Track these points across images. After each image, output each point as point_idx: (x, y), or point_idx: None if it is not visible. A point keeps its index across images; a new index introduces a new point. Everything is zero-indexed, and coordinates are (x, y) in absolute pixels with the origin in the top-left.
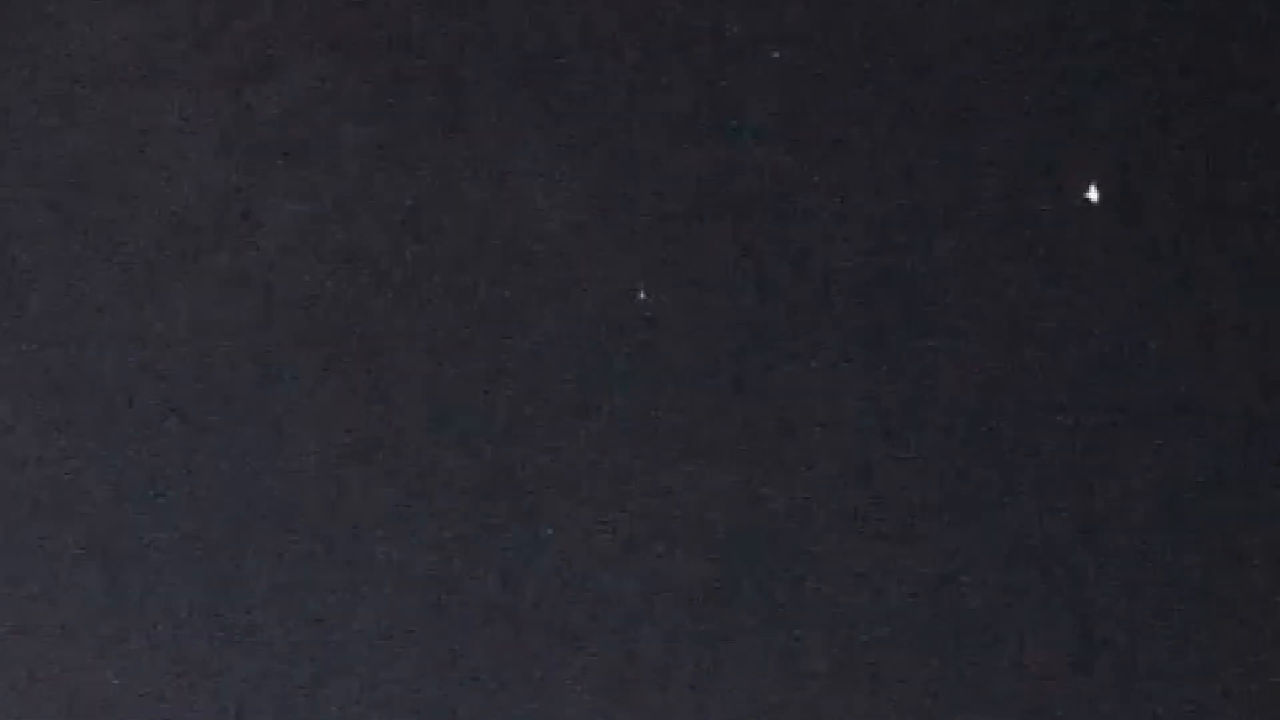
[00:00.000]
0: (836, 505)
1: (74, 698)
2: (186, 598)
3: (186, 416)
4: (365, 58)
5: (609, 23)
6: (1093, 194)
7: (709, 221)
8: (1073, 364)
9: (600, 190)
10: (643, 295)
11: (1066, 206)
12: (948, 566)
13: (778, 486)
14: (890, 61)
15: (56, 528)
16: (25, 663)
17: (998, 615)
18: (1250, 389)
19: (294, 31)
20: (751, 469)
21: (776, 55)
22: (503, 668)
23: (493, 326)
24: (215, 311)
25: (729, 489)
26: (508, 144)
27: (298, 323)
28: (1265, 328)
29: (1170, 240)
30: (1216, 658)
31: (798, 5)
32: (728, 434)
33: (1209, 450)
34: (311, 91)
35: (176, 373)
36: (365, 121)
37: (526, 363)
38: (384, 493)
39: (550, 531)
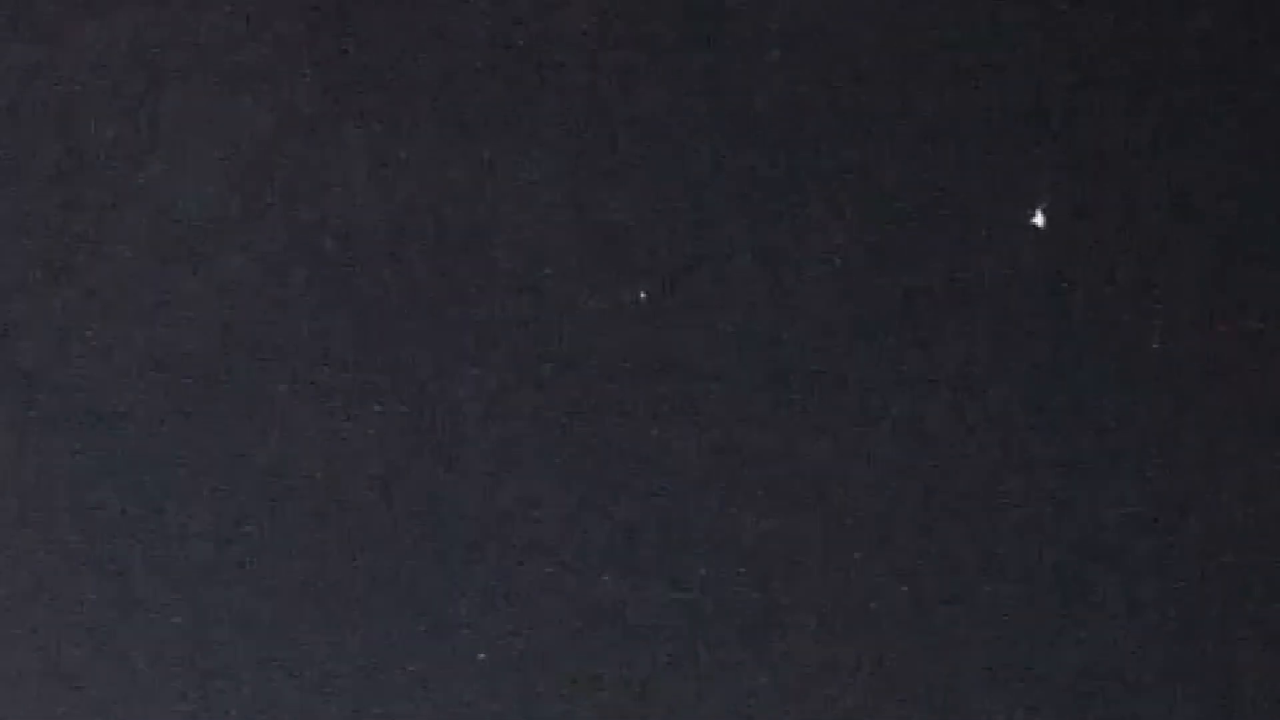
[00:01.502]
0: (834, 502)
1: (74, 697)
2: (181, 596)
3: (184, 417)
4: (365, 62)
5: (610, 26)
6: (1039, 219)
7: (709, 222)
8: (1024, 374)
9: (602, 191)
10: (643, 295)
11: (1016, 229)
12: (915, 569)
13: (778, 485)
14: (860, 92)
15: (54, 525)
16: (26, 663)
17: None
18: (1188, 403)
19: (296, 36)
20: (750, 468)
21: (777, 54)
22: (499, 665)
23: (494, 328)
24: (215, 313)
25: (730, 488)
26: (509, 147)
27: (297, 324)
28: (1203, 343)
29: (1110, 261)
30: (1215, 657)
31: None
32: (727, 433)
33: (1136, 466)
34: (313, 95)
35: (174, 374)
36: (366, 125)
37: (529, 362)
38: (383, 492)
39: (551, 532)
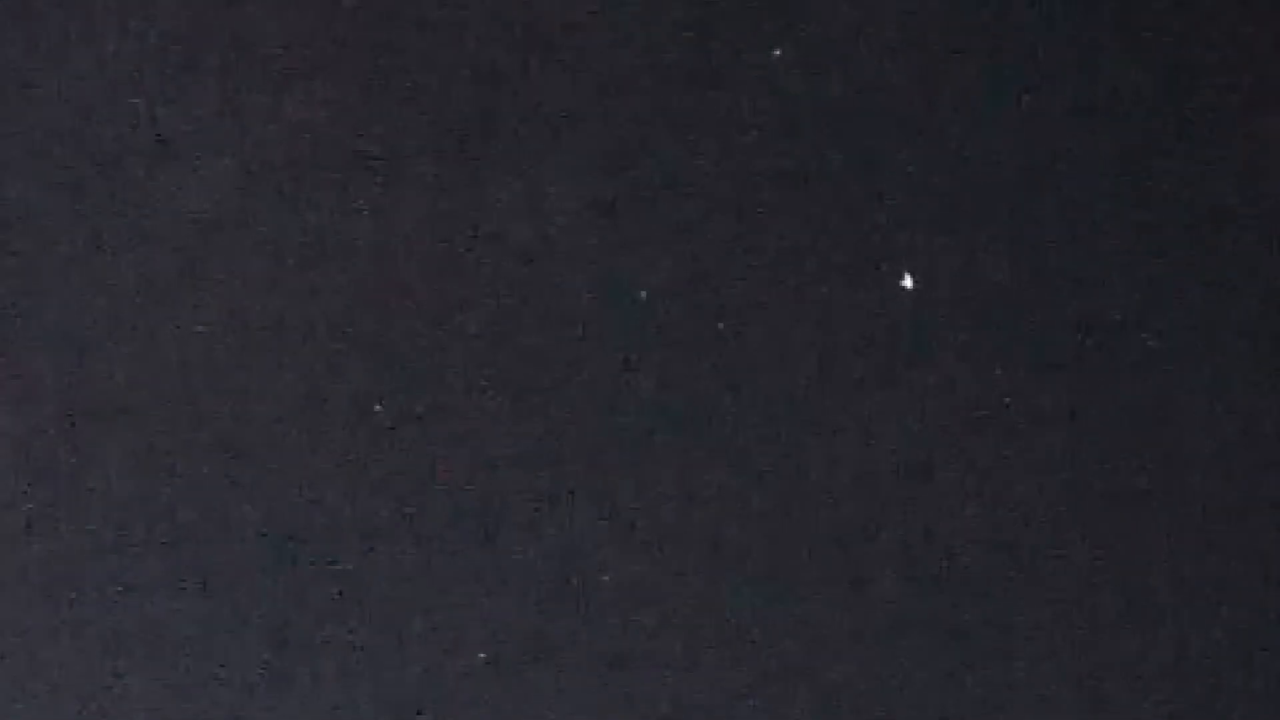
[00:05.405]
0: (827, 504)
1: (74, 698)
2: (183, 595)
3: (192, 416)
4: (374, 68)
5: (613, 28)
6: (907, 281)
7: (710, 222)
8: (897, 423)
9: (604, 192)
10: (644, 295)
11: (885, 291)
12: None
13: (774, 485)
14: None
15: (62, 519)
16: (26, 665)
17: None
18: (1050, 456)
19: (305, 42)
20: (749, 468)
21: (778, 54)
22: (500, 664)
23: (496, 331)
24: (224, 314)
25: (727, 487)
26: (511, 148)
27: (303, 324)
28: (1063, 398)
29: (970, 322)
30: (1215, 656)
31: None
32: (726, 433)
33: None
34: (322, 99)
35: (183, 373)
36: (372, 129)
37: (531, 363)
38: (385, 493)
39: (551, 532)
